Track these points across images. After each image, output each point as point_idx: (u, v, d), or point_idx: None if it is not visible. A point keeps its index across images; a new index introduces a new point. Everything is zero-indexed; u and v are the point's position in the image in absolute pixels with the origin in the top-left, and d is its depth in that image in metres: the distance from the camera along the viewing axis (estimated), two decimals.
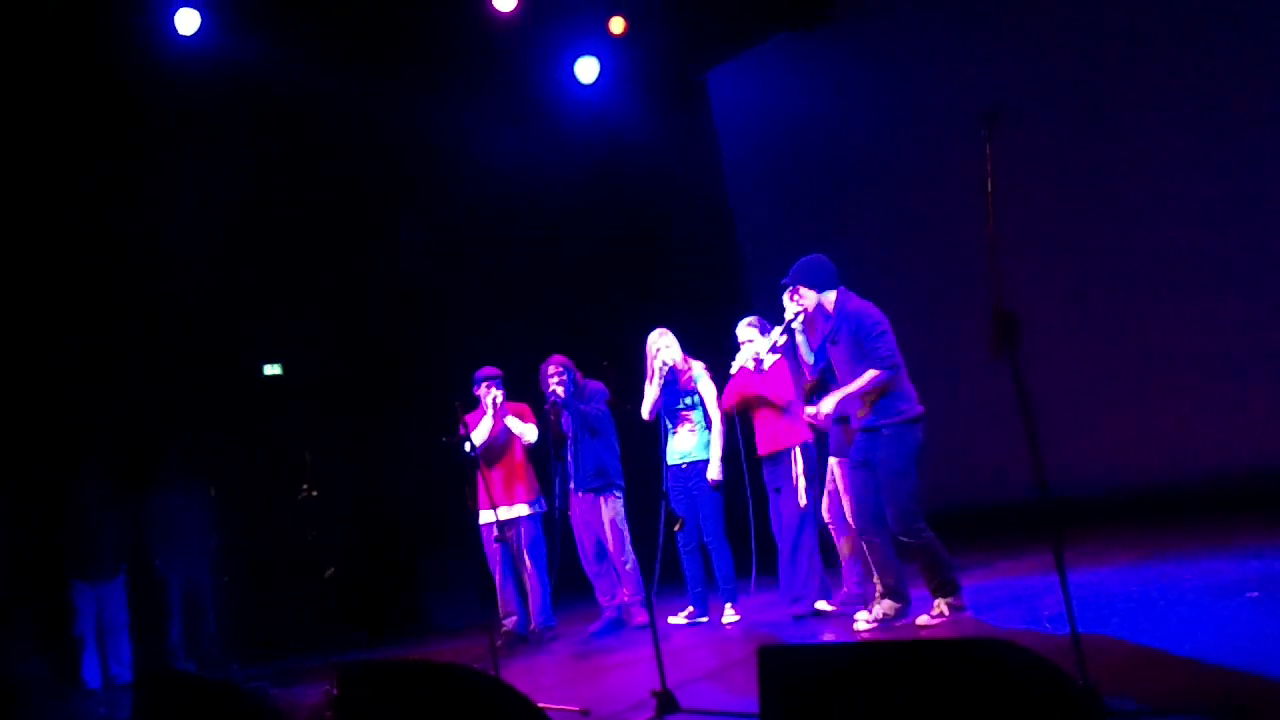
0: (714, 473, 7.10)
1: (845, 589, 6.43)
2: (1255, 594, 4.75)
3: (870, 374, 5.59)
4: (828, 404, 5.85)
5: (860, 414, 5.84)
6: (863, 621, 5.82)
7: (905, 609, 5.71)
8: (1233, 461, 7.84)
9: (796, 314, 6.01)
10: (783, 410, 6.65)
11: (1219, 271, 8.13)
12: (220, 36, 9.15)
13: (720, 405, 7.05)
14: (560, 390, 7.48)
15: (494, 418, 7.70)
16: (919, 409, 5.63)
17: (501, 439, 7.77)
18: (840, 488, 6.22)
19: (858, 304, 5.78)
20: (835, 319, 5.79)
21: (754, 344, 6.63)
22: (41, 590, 8.34)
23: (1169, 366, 8.40)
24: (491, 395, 7.72)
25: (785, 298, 6.06)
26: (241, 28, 9.23)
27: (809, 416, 6.32)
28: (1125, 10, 8.65)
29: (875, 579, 5.86)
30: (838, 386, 5.93)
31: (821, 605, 6.49)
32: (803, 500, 6.58)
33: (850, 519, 6.07)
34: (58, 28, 8.53)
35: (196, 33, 8.97)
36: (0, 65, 8.44)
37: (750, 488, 6.84)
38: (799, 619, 6.51)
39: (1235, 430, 7.96)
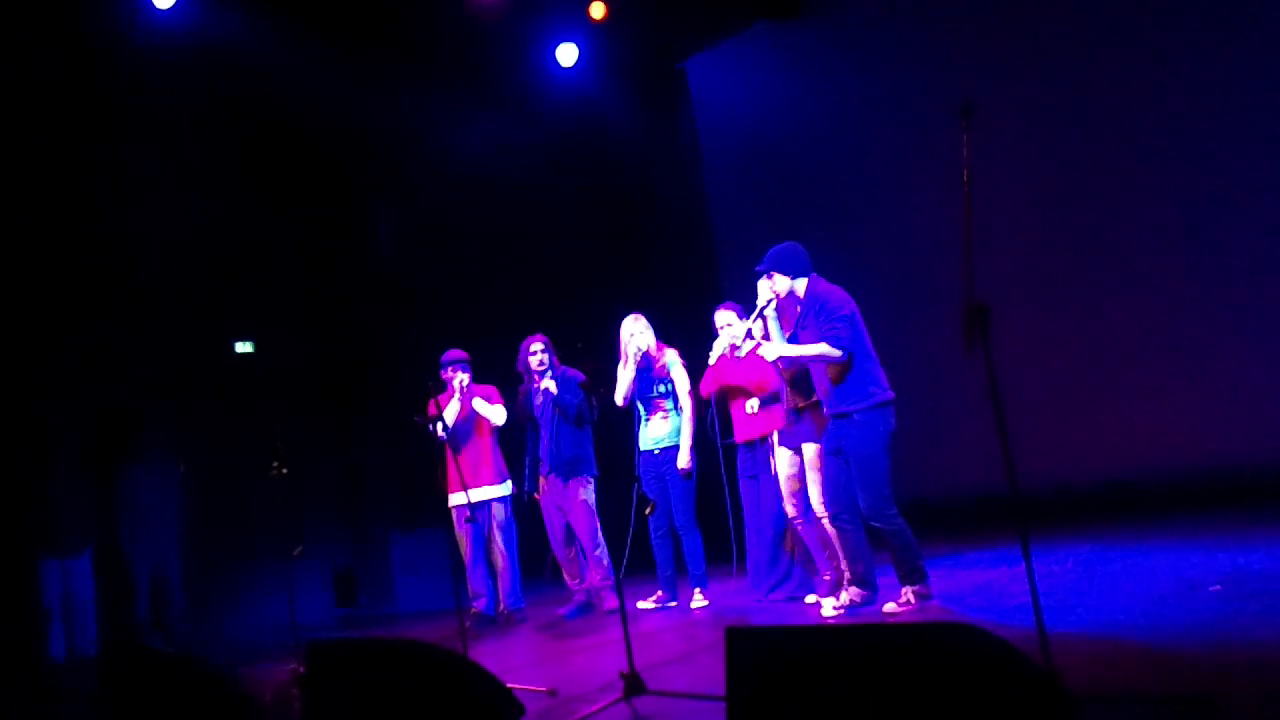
0: (683, 461, 7.11)
1: (828, 576, 6.43)
2: (1218, 587, 4.81)
3: (822, 345, 5.64)
4: (770, 350, 5.90)
5: (799, 405, 5.95)
6: (829, 608, 5.86)
7: (873, 596, 5.75)
8: (1202, 457, 7.94)
9: (769, 300, 6.01)
10: (762, 398, 6.69)
11: (1192, 268, 8.22)
12: (198, 12, 9.08)
13: (700, 391, 7.05)
14: (545, 385, 7.45)
15: (461, 401, 7.70)
16: (889, 394, 5.67)
17: (469, 422, 7.77)
18: (808, 473, 6.21)
19: (826, 288, 5.81)
20: (805, 305, 5.81)
21: (732, 328, 6.63)
22: (7, 564, 8.28)
23: (1142, 362, 8.49)
24: (458, 378, 7.72)
25: (760, 284, 6.08)
26: (220, 3, 9.16)
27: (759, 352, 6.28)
28: (1103, 2, 8.70)
29: (843, 566, 5.90)
30: (812, 375, 5.97)
31: (811, 598, 6.49)
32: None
33: (816, 505, 6.11)
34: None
35: (173, 7, 8.89)
36: None
37: (726, 474, 6.87)
38: (790, 600, 6.57)
39: (1205, 426, 8.06)
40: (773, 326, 6.01)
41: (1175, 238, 8.30)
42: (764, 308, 6.02)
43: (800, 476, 6.27)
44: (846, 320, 5.64)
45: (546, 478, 7.50)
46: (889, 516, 5.56)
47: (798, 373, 6.17)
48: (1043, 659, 3.05)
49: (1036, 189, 8.98)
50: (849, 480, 5.66)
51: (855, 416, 5.61)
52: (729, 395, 6.89)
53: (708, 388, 6.93)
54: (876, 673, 2.34)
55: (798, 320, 5.89)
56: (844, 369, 5.65)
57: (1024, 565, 3.35)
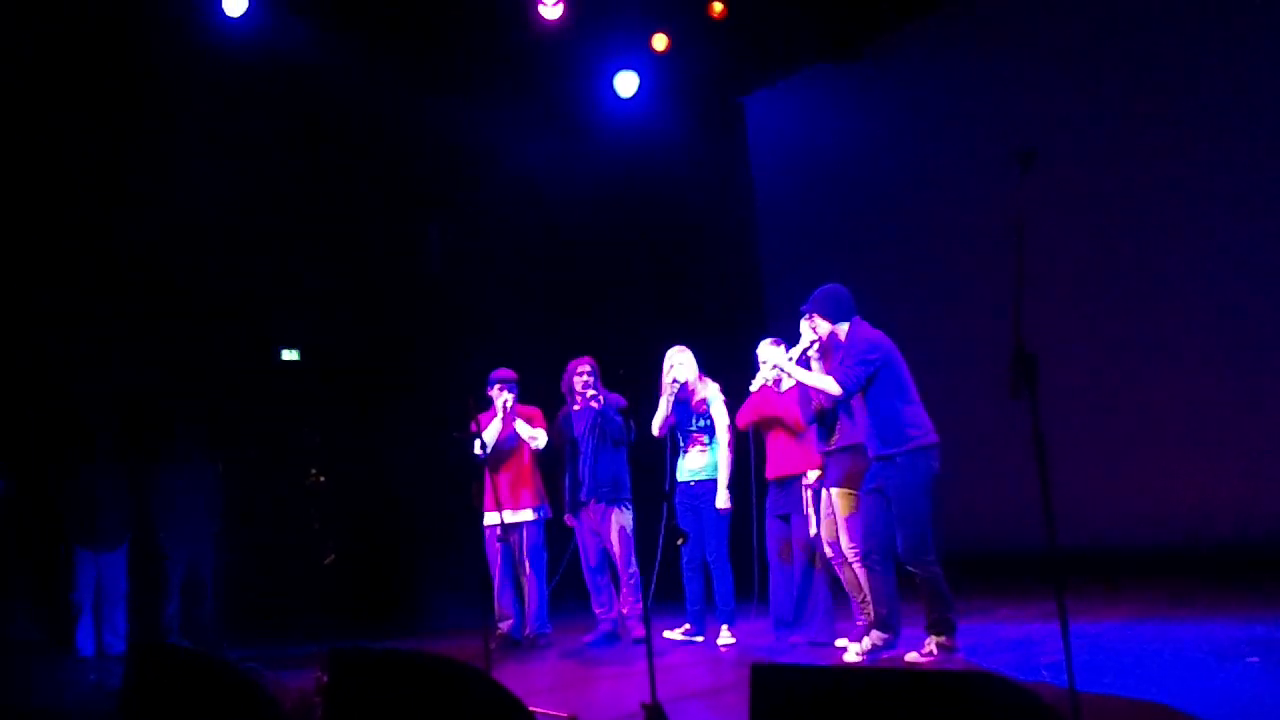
0: (721, 502, 7.03)
1: (861, 622, 6.35)
2: (1255, 659, 4.72)
3: (828, 379, 5.68)
4: (779, 359, 6.04)
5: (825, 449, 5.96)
6: (853, 653, 5.80)
7: (894, 640, 5.70)
8: (1247, 525, 7.79)
9: (811, 342, 6.01)
10: (798, 435, 6.64)
11: (1251, 329, 8.06)
12: (266, 21, 9.22)
13: (737, 422, 7.01)
14: (593, 394, 7.43)
15: (504, 421, 7.69)
16: (933, 438, 5.63)
17: (510, 442, 7.76)
18: (837, 517, 6.17)
19: (867, 333, 5.79)
20: (846, 348, 5.80)
21: (768, 363, 6.55)
22: (44, 555, 8.38)
23: (1190, 421, 8.33)
24: (503, 398, 7.72)
25: (803, 323, 6.06)
26: (288, 13, 9.30)
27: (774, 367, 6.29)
28: (1160, 51, 8.65)
29: (868, 608, 5.85)
30: (848, 415, 5.96)
31: (841, 642, 6.36)
32: (813, 529, 6.55)
33: (846, 548, 6.06)
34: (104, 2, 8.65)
35: (243, 15, 9.05)
36: (39, 36, 8.53)
37: (756, 510, 6.83)
38: (813, 645, 6.46)
39: (1251, 493, 7.90)
40: (815, 367, 6.01)
41: (1235, 294, 8.16)
42: (806, 350, 6.02)
43: (832, 518, 6.24)
44: (866, 364, 5.64)
45: (585, 504, 7.49)
46: (926, 562, 5.50)
47: (826, 412, 6.14)
48: (1073, 718, 3.00)
49: (1091, 237, 8.91)
50: (887, 522, 5.62)
51: (898, 459, 5.58)
52: (765, 428, 6.85)
53: (745, 418, 6.89)
54: (903, 718, 2.30)
55: (836, 362, 5.87)
56: (884, 412, 5.63)
57: (1058, 623, 3.30)
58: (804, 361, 6.08)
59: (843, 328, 5.88)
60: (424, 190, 11.17)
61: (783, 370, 6.16)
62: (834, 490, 6.18)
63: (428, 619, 9.85)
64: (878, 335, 5.79)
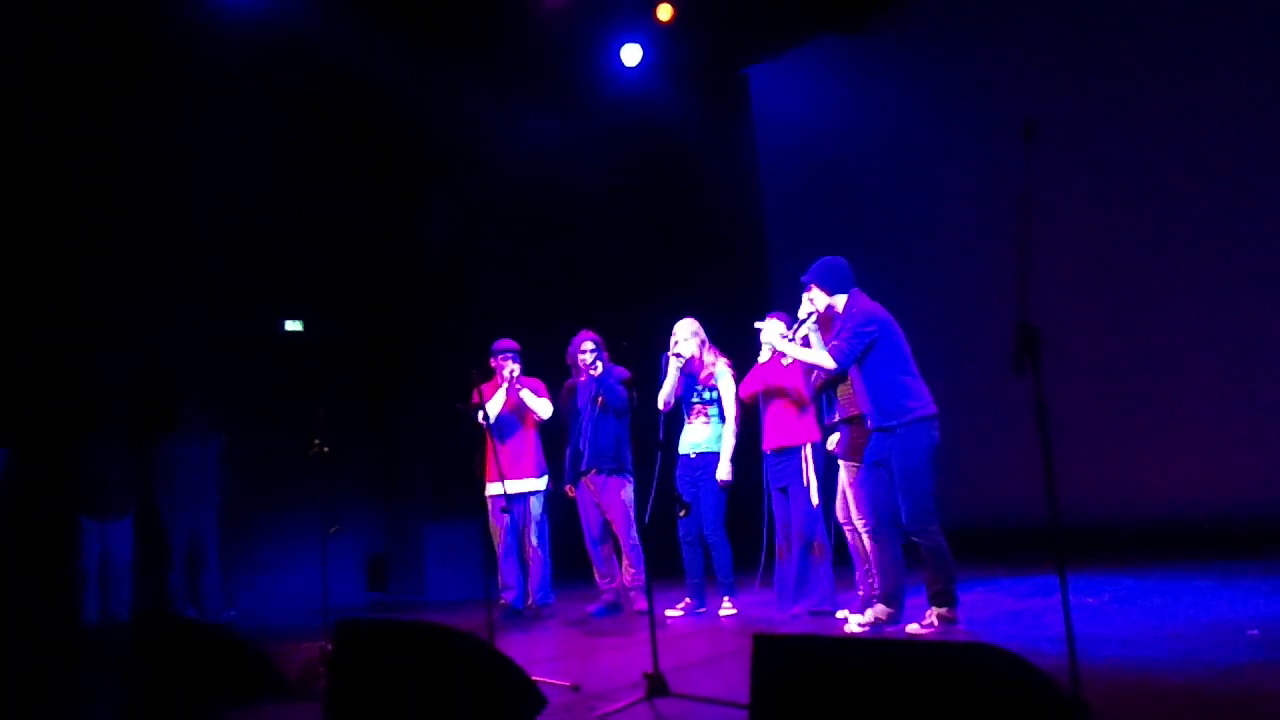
0: (723, 474, 7.04)
1: (862, 592, 6.36)
2: (1255, 632, 4.74)
3: (823, 354, 5.68)
4: (775, 337, 6.01)
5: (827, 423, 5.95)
6: (854, 624, 5.82)
7: (898, 615, 5.71)
8: (1250, 499, 7.79)
9: (809, 314, 6.00)
10: (801, 406, 6.63)
11: (1255, 304, 8.04)
12: None
13: (740, 393, 7.00)
14: (598, 365, 7.45)
15: (508, 391, 7.70)
16: (932, 409, 5.64)
17: (515, 413, 7.78)
18: (844, 488, 6.20)
19: (865, 305, 5.78)
20: (843, 320, 5.79)
21: (772, 332, 6.49)
22: (48, 526, 8.40)
23: (1195, 395, 8.32)
24: (508, 369, 7.72)
25: (804, 296, 6.05)
26: None
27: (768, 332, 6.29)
28: (1169, 24, 8.58)
29: (873, 581, 5.87)
30: (855, 390, 5.96)
31: (842, 614, 6.37)
32: (815, 499, 6.55)
33: (856, 519, 6.07)
34: None
35: None
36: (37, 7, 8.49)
37: (763, 485, 6.83)
38: (814, 615, 6.47)
39: (1257, 467, 7.90)
40: (815, 341, 5.99)
41: (1239, 269, 8.14)
42: (804, 321, 6.01)
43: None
44: (860, 337, 5.64)
45: (586, 474, 7.50)
46: (930, 532, 5.51)
47: (826, 386, 6.15)
48: (1072, 689, 3.01)
49: (1095, 211, 8.88)
50: (890, 495, 5.63)
51: (898, 430, 5.59)
52: (768, 398, 6.83)
53: (749, 389, 6.88)
54: (903, 689, 2.32)
55: (834, 335, 5.86)
56: (882, 384, 5.63)
57: (1059, 595, 3.30)
58: (804, 339, 6.06)
59: (840, 300, 5.87)
60: (427, 163, 11.15)
61: (776, 348, 6.14)
62: (841, 462, 6.22)
63: (432, 591, 9.89)
64: (875, 307, 5.79)
